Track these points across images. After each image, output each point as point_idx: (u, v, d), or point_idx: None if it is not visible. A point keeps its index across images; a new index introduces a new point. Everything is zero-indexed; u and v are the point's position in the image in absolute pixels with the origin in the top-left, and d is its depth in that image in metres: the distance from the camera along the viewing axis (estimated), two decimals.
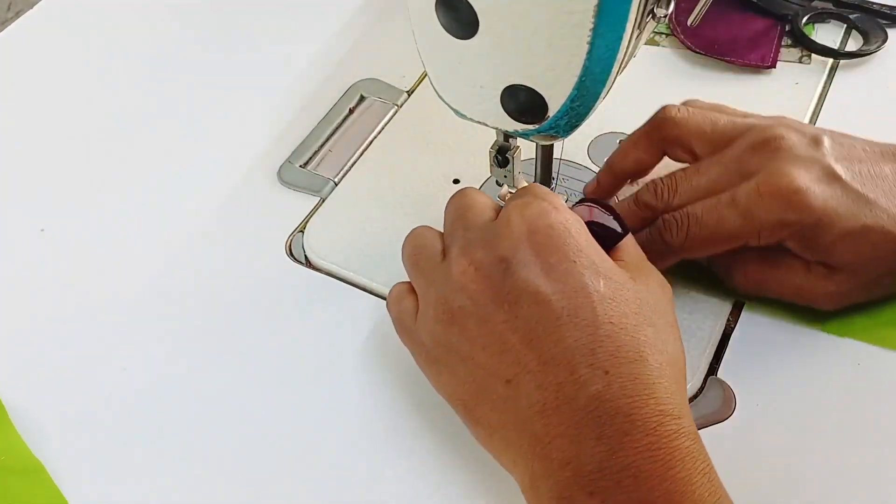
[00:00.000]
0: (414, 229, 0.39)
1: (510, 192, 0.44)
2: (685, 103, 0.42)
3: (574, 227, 0.34)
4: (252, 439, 0.38)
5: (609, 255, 0.34)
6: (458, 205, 0.37)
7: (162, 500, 0.37)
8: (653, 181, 0.40)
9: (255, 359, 0.41)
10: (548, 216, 0.34)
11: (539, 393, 0.31)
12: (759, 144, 0.38)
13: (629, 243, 0.36)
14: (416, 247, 0.38)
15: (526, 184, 0.44)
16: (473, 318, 0.33)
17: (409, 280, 0.38)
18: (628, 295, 0.33)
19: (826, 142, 0.38)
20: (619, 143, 0.46)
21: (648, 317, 0.33)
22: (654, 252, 0.38)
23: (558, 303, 0.32)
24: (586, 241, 0.34)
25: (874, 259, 0.37)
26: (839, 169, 0.37)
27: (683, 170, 0.40)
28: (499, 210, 0.37)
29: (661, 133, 0.41)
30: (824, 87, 0.50)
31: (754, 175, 0.37)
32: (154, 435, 0.39)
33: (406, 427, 0.38)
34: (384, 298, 0.43)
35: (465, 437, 0.37)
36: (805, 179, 0.36)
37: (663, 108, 0.41)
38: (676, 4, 0.33)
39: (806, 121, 0.48)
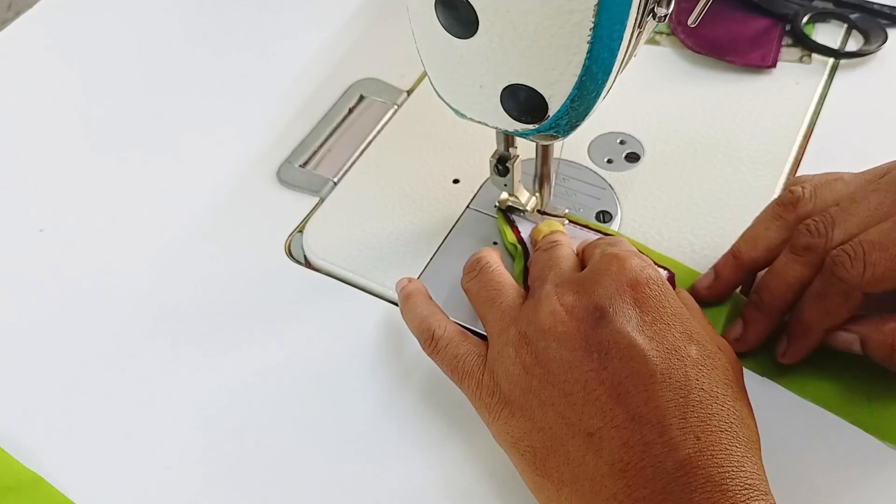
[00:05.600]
0: (478, 257, 0.39)
1: (510, 200, 0.44)
2: (795, 181, 0.39)
3: (670, 289, 0.34)
4: (251, 439, 0.38)
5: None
6: (549, 254, 0.37)
7: (161, 501, 0.37)
8: (804, 222, 0.37)
9: (253, 359, 0.41)
10: (648, 272, 0.34)
11: (623, 451, 0.30)
12: None
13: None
14: (492, 283, 0.37)
15: (527, 193, 0.44)
16: (558, 363, 0.32)
17: (435, 318, 0.37)
18: (718, 364, 0.32)
19: None
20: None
21: (735, 390, 0.32)
22: (834, 296, 0.35)
23: (652, 360, 0.31)
24: (680, 306, 0.33)
25: None
26: None
27: (836, 203, 0.36)
28: (580, 259, 0.37)
29: (795, 212, 0.38)
30: (825, 87, 0.50)
31: None
32: (153, 436, 0.39)
33: (406, 427, 0.38)
34: (383, 298, 0.43)
35: (465, 436, 0.37)
36: None
37: (787, 191, 0.38)
38: (677, 4, 0.33)
39: (806, 120, 0.48)
